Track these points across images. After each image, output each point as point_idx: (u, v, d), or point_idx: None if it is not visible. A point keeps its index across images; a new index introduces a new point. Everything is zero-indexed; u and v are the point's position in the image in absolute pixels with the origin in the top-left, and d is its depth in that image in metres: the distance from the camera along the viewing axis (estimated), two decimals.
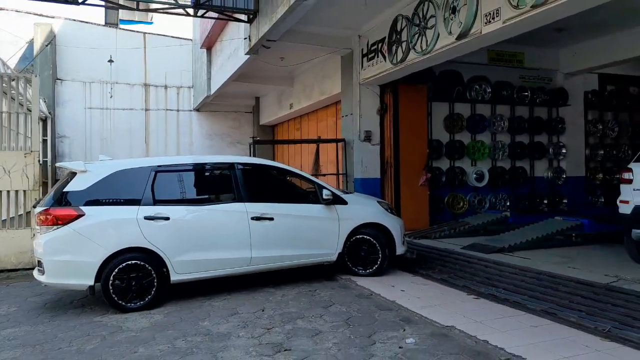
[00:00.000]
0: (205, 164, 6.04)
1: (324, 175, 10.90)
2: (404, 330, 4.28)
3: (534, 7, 5.46)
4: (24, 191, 8.03)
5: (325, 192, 5.98)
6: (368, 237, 6.19)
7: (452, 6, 6.85)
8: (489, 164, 10.92)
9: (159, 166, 5.58)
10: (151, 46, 16.04)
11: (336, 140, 10.06)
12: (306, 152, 14.24)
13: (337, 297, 5.42)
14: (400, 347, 3.88)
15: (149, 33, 16.44)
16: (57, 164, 5.62)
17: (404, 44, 8.11)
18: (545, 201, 11.30)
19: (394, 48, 8.41)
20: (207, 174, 6.01)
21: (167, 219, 5.35)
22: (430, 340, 4.02)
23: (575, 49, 10.86)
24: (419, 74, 9.16)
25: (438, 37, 7.22)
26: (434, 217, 10.00)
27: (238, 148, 17.29)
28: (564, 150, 11.51)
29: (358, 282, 5.97)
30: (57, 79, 14.97)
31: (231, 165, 5.90)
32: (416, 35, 7.75)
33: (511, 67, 10.99)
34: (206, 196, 5.88)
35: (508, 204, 10.88)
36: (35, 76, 8.33)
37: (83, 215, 5.09)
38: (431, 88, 10.26)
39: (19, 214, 8.39)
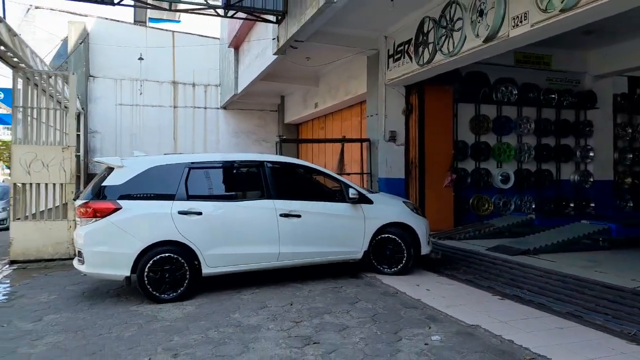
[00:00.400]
0: (236, 161, 6.24)
1: (348, 174, 11.02)
2: (430, 327, 4.38)
3: (562, 11, 5.48)
4: (61, 184, 8.37)
5: (351, 191, 6.11)
6: (393, 237, 6.30)
7: (479, 9, 6.90)
8: (515, 166, 10.90)
9: (192, 163, 5.79)
10: (179, 45, 16.38)
11: (361, 140, 10.16)
12: (330, 151, 14.38)
13: (362, 294, 5.55)
14: (425, 344, 3.99)
15: (177, 32, 16.78)
16: (95, 159, 5.89)
17: (430, 46, 8.16)
18: (572, 204, 11.23)
19: (420, 49, 8.47)
20: (237, 171, 6.20)
21: (200, 213, 5.55)
22: (456, 338, 4.12)
23: (605, 52, 10.74)
24: (445, 75, 9.19)
25: (465, 39, 7.26)
26: (459, 218, 10.03)
27: (263, 146, 17.53)
28: (591, 154, 11.41)
29: (383, 281, 6.08)
30: (90, 76, 15.42)
31: (260, 163, 6.08)
32: (443, 37, 7.80)
33: (538, 69, 10.92)
34: (236, 193, 6.06)
35: (533, 206, 10.84)
36: (73, 74, 8.64)
37: (120, 208, 5.32)
38: (457, 89, 10.28)
39: (56, 205, 8.75)
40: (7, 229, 14.89)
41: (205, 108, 16.92)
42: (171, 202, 5.51)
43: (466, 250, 7.44)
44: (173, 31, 16.65)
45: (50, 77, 8.90)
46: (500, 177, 10.58)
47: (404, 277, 6.27)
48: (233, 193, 6.06)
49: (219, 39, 16.93)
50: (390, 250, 6.33)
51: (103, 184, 5.46)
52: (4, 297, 5.86)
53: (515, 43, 6.71)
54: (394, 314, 4.81)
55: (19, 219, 8.17)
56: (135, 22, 22.48)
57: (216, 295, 5.68)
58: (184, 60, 16.52)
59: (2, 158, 40.27)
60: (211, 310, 5.10)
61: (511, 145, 10.77)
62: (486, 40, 6.78)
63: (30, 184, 8.20)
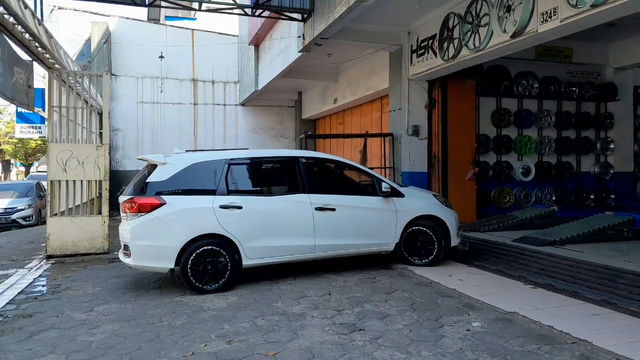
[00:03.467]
0: (272, 157, 6.45)
1: (372, 169, 11.15)
2: (469, 315, 4.56)
3: (593, 6, 5.57)
4: (96, 181, 8.64)
5: (384, 185, 6.29)
6: (424, 229, 6.47)
7: (506, 5, 7.00)
8: (535, 159, 11.00)
9: (231, 159, 6.00)
10: (199, 43, 16.59)
11: (384, 135, 10.31)
12: (349, 146, 14.52)
13: (397, 284, 5.73)
14: (467, 330, 4.16)
15: (197, 30, 16.99)
16: (139, 156, 6.11)
17: (455, 41, 8.28)
18: (592, 196, 11.30)
19: (445, 45, 8.59)
20: (273, 166, 6.41)
21: (240, 207, 5.76)
22: (496, 324, 4.29)
23: (626, 44, 10.78)
24: (467, 70, 9.30)
25: (492, 35, 7.37)
26: (480, 210, 10.16)
27: (281, 141, 17.75)
28: (612, 146, 11.47)
29: (415, 271, 6.26)
30: (112, 74, 15.70)
31: (295, 159, 6.27)
32: (469, 33, 7.92)
33: (559, 62, 10.99)
34: (273, 187, 6.28)
35: (554, 198, 10.94)
36: (106, 74, 8.88)
37: (164, 203, 5.55)
38: (479, 83, 10.38)
39: (92, 200, 9.03)
40: (33, 225, 15.35)
41: (224, 105, 17.14)
42: (212, 196, 5.73)
43: (492, 241, 7.58)
44: (193, 29, 16.87)
45: (83, 77, 9.15)
46: (521, 170, 10.68)
47: (434, 268, 6.45)
48: (270, 187, 6.27)
49: (237, 36, 17.12)
50: (421, 242, 6.51)
51: (147, 180, 5.69)
52: (51, 290, 6.12)
53: (543, 38, 6.81)
54: (432, 302, 4.98)
55: (55, 214, 8.44)
56: (149, 19, 22.75)
57: (255, 286, 5.89)
58: (203, 57, 16.74)
59: (17, 156, 40.99)
60: (253, 300, 5.31)
61: (532, 138, 10.87)
62: (514, 36, 6.89)
63: (67, 181, 8.47)
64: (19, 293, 6.00)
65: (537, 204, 10.66)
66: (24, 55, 7.60)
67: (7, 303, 5.54)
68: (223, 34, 17.16)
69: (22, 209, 15.15)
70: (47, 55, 7.85)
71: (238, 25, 17.12)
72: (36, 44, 7.17)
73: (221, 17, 21.29)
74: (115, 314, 4.98)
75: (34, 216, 15.43)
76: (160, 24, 18.71)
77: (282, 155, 6.52)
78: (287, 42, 11.32)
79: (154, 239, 5.53)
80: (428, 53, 9.19)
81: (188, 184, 5.77)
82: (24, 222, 15.06)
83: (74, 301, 5.53)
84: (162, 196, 5.59)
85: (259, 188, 6.21)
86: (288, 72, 12.52)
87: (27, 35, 6.82)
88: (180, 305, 5.20)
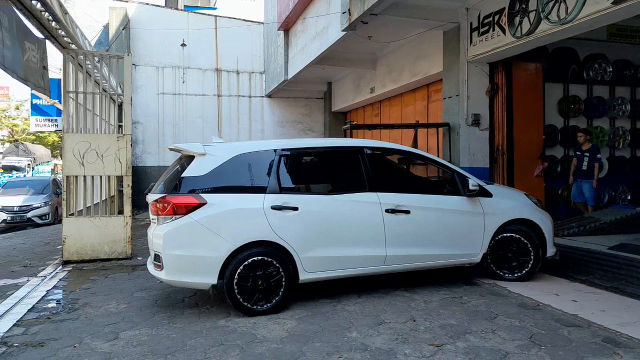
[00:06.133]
0: (332, 147, 5.28)
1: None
2: (621, 357, 3.39)
3: None
4: (116, 176, 7.61)
5: (471, 182, 5.12)
6: (517, 236, 5.29)
7: None
8: (607, 153, 9.73)
9: (283, 149, 4.88)
10: (222, 30, 15.53)
11: (438, 125, 9.11)
12: (386, 138, 13.34)
13: (495, 306, 4.58)
14: None
15: (220, 16, 15.94)
16: (171, 146, 5.03)
17: (532, 14, 7.06)
18: None
19: (517, 19, 7.37)
20: (333, 159, 5.25)
21: (296, 209, 4.65)
22: None
23: None
24: (530, 52, 8.09)
25: (584, 2, 6.15)
26: (548, 211, 8.91)
27: (309, 136, 16.62)
28: None
29: (509, 288, 5.09)
30: (132, 64, 14.70)
31: (359, 150, 5.14)
32: (552, 3, 6.69)
33: (632, 43, 9.70)
34: (334, 184, 5.12)
35: (629, 197, 9.66)
36: (128, 55, 7.83)
37: (205, 203, 4.47)
38: (544, 67, 9.15)
39: (109, 199, 8.02)
40: (49, 224, 14.48)
41: (249, 97, 16.06)
42: (262, 195, 4.63)
43: (584, 249, 6.40)
44: (215, 16, 15.82)
45: (102, 58, 8.12)
46: None
47: (530, 284, 5.27)
48: (330, 184, 5.11)
49: (262, 23, 16.04)
50: (512, 252, 5.33)
51: (183, 175, 4.60)
52: (67, 307, 5.08)
53: None
54: (556, 334, 3.82)
55: (72, 214, 7.44)
56: (166, 5, 21.74)
57: (314, 305, 4.79)
58: (227, 46, 15.68)
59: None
60: (318, 326, 4.21)
61: (604, 129, 9.60)
62: (617, 2, 5.66)
63: (84, 176, 7.46)
64: (29, 310, 4.98)
65: (611, 204, 9.40)
66: (36, 33, 6.58)
67: (14, 325, 4.51)
68: (248, 20, 16.08)
69: (38, 207, 14.29)
70: (62, 32, 6.82)
71: (264, 11, 16.03)
72: (48, 16, 6.13)
73: (245, 4, 20.26)
74: (146, 344, 3.91)
75: (50, 214, 14.56)
76: (181, 9, 17.66)
77: (343, 145, 5.35)
78: (325, 22, 10.18)
79: (192, 247, 4.44)
80: (493, 30, 7.97)
81: (232, 180, 4.67)
82: (39, 221, 14.19)
83: (95, 323, 4.48)
84: (201, 194, 4.50)
85: (316, 185, 5.08)
86: (322, 59, 11.40)
87: (38, 5, 5.78)
88: (227, 333, 4.11)
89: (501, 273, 5.35)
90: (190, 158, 4.74)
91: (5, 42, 4.80)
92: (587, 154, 8.47)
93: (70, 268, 7.05)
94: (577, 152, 8.67)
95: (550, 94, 9.36)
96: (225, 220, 4.49)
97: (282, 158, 4.84)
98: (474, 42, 8.49)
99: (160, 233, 4.48)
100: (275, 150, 4.83)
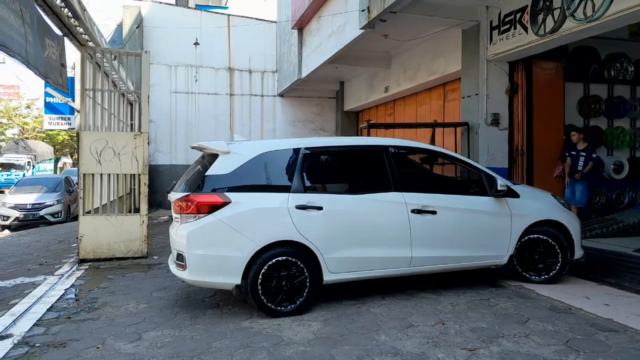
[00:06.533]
0: (356, 146, 5.18)
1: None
2: None
3: None
4: (133, 175, 7.56)
5: (499, 182, 5.01)
6: (544, 237, 5.16)
7: None
8: (627, 154, 9.56)
9: (307, 148, 4.79)
10: (235, 29, 15.47)
11: (456, 124, 8.99)
12: (400, 137, 13.21)
13: (524, 309, 4.46)
14: None
15: (232, 15, 15.88)
16: (197, 144, 4.95)
17: (556, 12, 6.92)
18: None
19: (540, 17, 7.24)
20: (358, 158, 5.14)
21: (321, 208, 4.56)
22: None
23: None
24: (551, 51, 7.96)
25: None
26: None
27: (322, 135, 16.52)
28: None
29: (537, 291, 4.97)
30: None
31: (384, 149, 5.03)
32: (577, 0, 6.56)
33: None
34: (359, 183, 5.01)
35: None
36: (146, 52, 7.78)
37: (229, 202, 4.39)
38: (565, 66, 9.00)
39: (123, 197, 7.97)
40: (62, 222, 14.48)
41: (262, 96, 15.98)
42: (287, 194, 4.54)
43: (608, 251, 6.27)
44: (228, 14, 15.76)
45: (120, 56, 8.08)
46: (612, 167, 9.25)
47: (557, 286, 5.14)
48: (355, 184, 5.01)
49: (275, 22, 15.96)
50: (539, 254, 5.20)
51: (207, 173, 4.53)
52: (87, 306, 5.02)
53: None
54: (593, 340, 3.70)
55: (88, 212, 7.40)
56: (177, 4, 21.71)
57: (338, 307, 4.70)
58: (239, 45, 15.61)
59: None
60: (345, 328, 4.11)
61: (625, 129, 9.43)
62: None
63: (101, 174, 7.41)
64: (48, 309, 4.93)
65: (632, 205, 9.23)
66: (55, 30, 6.54)
67: (35, 324, 4.46)
68: (260, 19, 16.01)
69: (50, 205, 14.28)
70: (80, 30, 6.78)
71: (276, 10, 15.95)
72: (68, 12, 6.08)
73: (256, 4, 20.20)
74: (170, 346, 3.84)
75: (62, 212, 14.56)
76: (193, 8, 17.62)
77: (368, 144, 5.26)
78: (341, 20, 10.08)
79: (216, 247, 4.37)
80: (515, 28, 7.84)
81: (256, 178, 4.59)
82: (52, 219, 14.19)
83: (116, 324, 4.42)
84: (225, 193, 4.42)
85: (341, 184, 4.98)
86: (336, 58, 11.30)
87: (58, 1, 5.73)
88: (252, 334, 4.03)
89: (527, 275, 5.23)
90: (213, 157, 4.67)
91: (29, 38, 4.75)
92: (583, 154, 8.10)
93: (87, 266, 7.01)
94: (572, 152, 8.26)
95: (570, 93, 9.19)
96: (250, 220, 4.41)
97: (306, 157, 4.75)
98: (494, 41, 8.36)
99: (184, 232, 4.40)
100: (299, 149, 4.74)
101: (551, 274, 5.18)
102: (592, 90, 9.35)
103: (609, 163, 9.25)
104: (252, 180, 4.57)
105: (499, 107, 8.59)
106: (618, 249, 6.30)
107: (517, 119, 8.60)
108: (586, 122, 9.31)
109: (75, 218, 16.28)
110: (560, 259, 5.16)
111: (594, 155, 8.15)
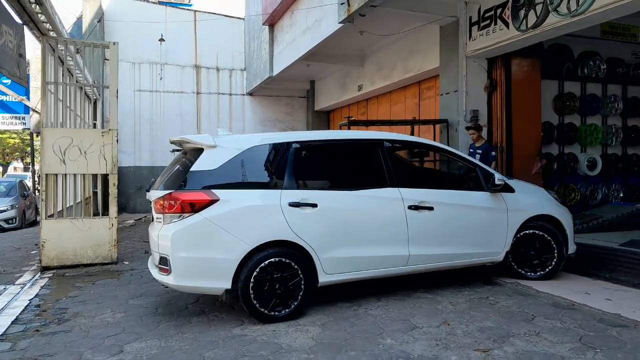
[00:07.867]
0: (350, 140, 4.93)
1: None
2: None
3: None
4: (101, 175, 7.06)
5: (496, 177, 4.87)
6: (540, 233, 5.06)
7: None
8: (600, 151, 9.72)
9: (299, 142, 4.51)
10: (201, 25, 14.97)
11: (436, 121, 8.89)
12: None
13: (528, 306, 4.32)
14: None
15: (199, 11, 15.37)
16: (179, 137, 4.58)
17: (538, 7, 6.90)
18: None
19: (522, 12, 7.20)
20: (352, 152, 4.88)
21: (315, 206, 4.29)
22: None
23: None
24: (527, 48, 7.98)
25: None
26: None
27: None
28: None
29: (535, 288, 4.85)
30: (105, 59, 13.95)
31: (379, 143, 4.81)
32: None
33: (623, 42, 9.73)
34: (354, 179, 4.75)
35: (621, 195, 9.66)
36: (114, 43, 7.28)
37: (217, 200, 4.05)
38: (541, 63, 9.05)
39: (87, 200, 7.44)
40: (16, 228, 13.58)
41: (230, 94, 15.53)
42: (279, 191, 4.25)
43: (594, 246, 6.28)
44: (195, 10, 15.25)
45: (86, 46, 7.56)
46: (586, 163, 9.37)
47: (554, 282, 5.05)
48: (350, 179, 4.74)
49: (243, 19, 15.57)
50: (535, 250, 5.09)
51: (192, 169, 4.17)
52: (57, 317, 4.55)
53: None
54: (606, 336, 3.58)
55: (51, 216, 6.85)
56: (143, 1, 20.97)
57: (333, 310, 4.43)
58: (206, 42, 15.12)
59: None
60: (346, 332, 3.85)
61: (598, 127, 9.58)
62: None
63: (65, 174, 6.88)
64: (13, 322, 4.43)
65: (605, 202, 9.39)
66: (15, 18, 6.00)
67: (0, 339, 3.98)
68: (228, 16, 15.58)
69: (4, 210, 13.37)
70: (42, 17, 6.25)
71: (245, 6, 15.56)
72: None
73: (221, 2, 19.71)
74: (158, 358, 3.47)
75: (17, 218, 13.66)
76: (157, 3, 16.98)
77: (362, 138, 5.01)
78: (317, 14, 9.84)
79: (204, 248, 4.02)
80: (495, 24, 7.80)
81: (245, 174, 4.27)
82: (6, 225, 13.29)
83: (92, 335, 4.00)
84: (213, 190, 4.08)
85: (334, 180, 4.71)
86: (310, 55, 11.05)
87: None
88: (246, 342, 3.71)
89: (523, 272, 5.11)
90: (197, 151, 4.31)
91: None
92: (480, 151, 7.76)
93: (51, 274, 6.47)
94: (470, 150, 7.90)
95: (545, 90, 9.26)
96: (240, 219, 4.09)
97: (299, 151, 4.46)
98: (473, 37, 8.31)
99: (168, 234, 4.03)
100: (291, 143, 4.45)
101: (547, 270, 5.08)
102: (566, 87, 9.45)
103: (583, 160, 9.37)
104: (241, 176, 4.24)
105: (478, 104, 8.55)
106: (604, 243, 6.32)
107: (496, 116, 8.57)
108: (561, 119, 9.40)
109: (31, 224, 15.41)
110: (556, 255, 5.07)
111: (493, 154, 7.75)
